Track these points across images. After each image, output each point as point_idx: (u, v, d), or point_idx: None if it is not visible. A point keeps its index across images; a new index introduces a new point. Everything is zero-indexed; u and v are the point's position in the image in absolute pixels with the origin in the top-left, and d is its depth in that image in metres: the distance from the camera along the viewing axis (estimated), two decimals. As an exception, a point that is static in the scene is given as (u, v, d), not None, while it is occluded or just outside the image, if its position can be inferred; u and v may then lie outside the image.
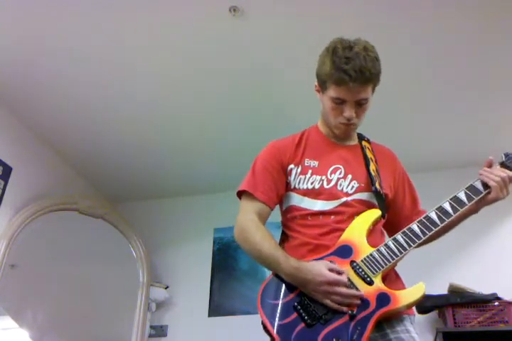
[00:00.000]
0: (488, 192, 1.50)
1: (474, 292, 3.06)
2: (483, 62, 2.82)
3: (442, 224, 1.45)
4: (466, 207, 1.49)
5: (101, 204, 3.77)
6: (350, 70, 1.47)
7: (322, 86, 1.58)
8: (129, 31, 2.72)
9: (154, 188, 4.16)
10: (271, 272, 1.46)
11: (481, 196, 1.50)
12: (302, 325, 1.31)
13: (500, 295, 3.01)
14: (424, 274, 3.18)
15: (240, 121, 3.38)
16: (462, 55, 2.79)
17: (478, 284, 3.10)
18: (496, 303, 2.98)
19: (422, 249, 1.63)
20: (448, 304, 3.03)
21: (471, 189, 1.51)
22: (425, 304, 3.06)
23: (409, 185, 1.72)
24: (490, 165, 1.55)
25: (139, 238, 3.81)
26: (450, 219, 1.47)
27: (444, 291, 3.12)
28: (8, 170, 3.18)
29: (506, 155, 1.61)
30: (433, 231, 1.45)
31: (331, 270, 1.35)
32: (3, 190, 3.12)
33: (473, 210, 1.55)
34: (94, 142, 3.61)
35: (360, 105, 1.55)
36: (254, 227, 1.49)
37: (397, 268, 1.58)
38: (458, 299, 3.02)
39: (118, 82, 3.08)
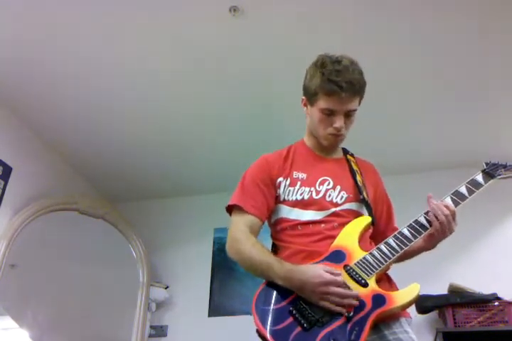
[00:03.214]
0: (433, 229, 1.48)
1: (474, 292, 3.06)
2: (484, 61, 2.82)
3: (432, 228, 1.47)
4: (466, 200, 1.52)
5: (101, 204, 3.76)
6: (342, 82, 1.53)
7: (311, 99, 1.62)
8: (129, 31, 2.72)
9: (154, 188, 4.16)
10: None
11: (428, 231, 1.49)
12: (299, 329, 1.30)
13: (500, 295, 3.01)
14: (424, 274, 3.18)
15: (239, 121, 3.38)
16: (462, 54, 2.79)
17: (478, 284, 3.10)
18: (496, 303, 2.98)
19: (422, 248, 1.63)
20: (448, 304, 3.03)
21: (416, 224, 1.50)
22: (425, 304, 3.06)
23: (387, 201, 1.76)
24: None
25: (139, 238, 3.81)
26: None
27: (444, 291, 3.13)
28: (8, 170, 3.18)
29: (487, 163, 1.65)
30: (423, 235, 1.47)
31: (327, 272, 1.35)
32: (3, 190, 3.12)
33: (426, 247, 1.55)
34: (94, 142, 3.61)
35: (348, 116, 1.60)
36: (244, 238, 1.51)
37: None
38: (458, 299, 3.02)
39: (118, 82, 3.08)
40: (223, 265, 3.82)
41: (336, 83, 1.52)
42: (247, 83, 3.06)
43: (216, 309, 3.69)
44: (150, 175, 3.98)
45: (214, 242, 3.94)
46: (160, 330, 3.69)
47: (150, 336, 3.64)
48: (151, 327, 3.67)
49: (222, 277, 3.79)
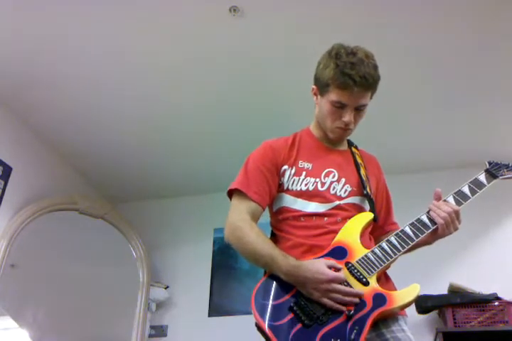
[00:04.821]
0: (436, 228, 1.49)
1: (474, 292, 3.06)
2: (484, 61, 2.83)
3: (434, 227, 1.48)
4: (469, 200, 1.52)
5: (101, 204, 3.76)
6: (355, 75, 1.49)
7: (322, 89, 1.59)
8: (129, 31, 2.72)
9: (154, 188, 4.16)
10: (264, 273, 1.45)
11: (430, 230, 1.49)
12: (299, 325, 1.30)
13: (500, 295, 3.01)
14: (424, 274, 3.19)
15: (239, 120, 3.39)
16: (462, 54, 2.79)
17: (478, 284, 3.10)
18: (496, 303, 2.98)
19: (422, 249, 1.63)
20: (448, 304, 3.03)
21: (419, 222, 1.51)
22: (425, 304, 3.06)
23: (387, 195, 1.75)
24: (439, 197, 1.53)
25: (139, 238, 3.80)
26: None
27: (444, 291, 3.13)
28: (8, 170, 3.18)
29: (490, 163, 1.64)
30: (425, 234, 1.47)
31: (330, 267, 1.36)
32: (3, 190, 3.11)
33: (427, 242, 1.54)
34: (94, 142, 3.61)
35: (358, 111, 1.58)
36: (248, 226, 1.48)
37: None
38: (458, 299, 3.02)
39: (118, 82, 3.08)
40: (223, 265, 3.82)
41: (350, 76, 1.49)
42: (247, 83, 3.06)
43: (216, 309, 3.69)
44: (150, 175, 3.98)
45: (214, 242, 3.94)
46: (160, 330, 3.69)
47: (150, 336, 3.64)
48: (151, 327, 3.67)
49: (222, 277, 3.80)
